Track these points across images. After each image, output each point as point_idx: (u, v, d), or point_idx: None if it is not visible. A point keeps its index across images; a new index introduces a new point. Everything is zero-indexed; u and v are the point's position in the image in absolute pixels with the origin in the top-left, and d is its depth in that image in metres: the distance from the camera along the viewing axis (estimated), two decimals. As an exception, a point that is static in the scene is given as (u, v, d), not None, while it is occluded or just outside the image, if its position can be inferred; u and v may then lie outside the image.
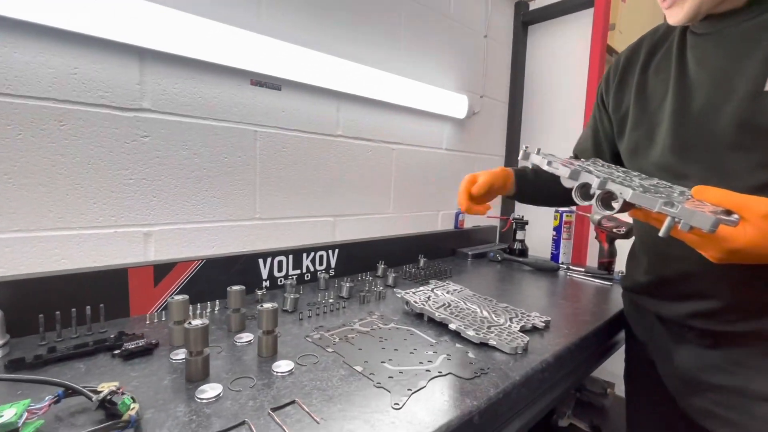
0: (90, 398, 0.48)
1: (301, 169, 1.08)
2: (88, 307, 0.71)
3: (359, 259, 1.19)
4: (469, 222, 1.65)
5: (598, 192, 0.48)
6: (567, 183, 0.53)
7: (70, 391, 0.49)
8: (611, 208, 0.49)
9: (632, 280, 0.80)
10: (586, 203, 0.51)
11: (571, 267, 1.39)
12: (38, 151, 0.70)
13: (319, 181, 1.12)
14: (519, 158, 0.62)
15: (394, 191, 1.34)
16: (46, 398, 0.47)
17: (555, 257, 1.48)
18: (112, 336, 0.67)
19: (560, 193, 0.81)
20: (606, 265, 1.33)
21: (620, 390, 1.42)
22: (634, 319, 0.84)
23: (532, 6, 1.73)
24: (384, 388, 0.56)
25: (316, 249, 1.08)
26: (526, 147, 0.61)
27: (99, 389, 0.49)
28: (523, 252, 1.56)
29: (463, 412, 0.51)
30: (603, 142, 0.85)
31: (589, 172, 0.51)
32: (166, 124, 0.84)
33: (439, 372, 0.61)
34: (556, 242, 1.47)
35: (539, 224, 1.70)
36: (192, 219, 0.90)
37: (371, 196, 1.27)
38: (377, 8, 1.20)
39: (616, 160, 0.83)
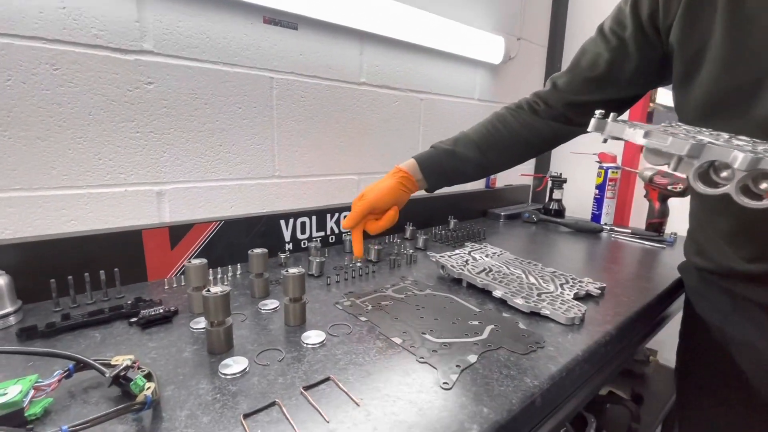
0: (103, 374, 0.42)
1: (322, 121, 0.98)
2: (102, 272, 0.65)
3: (386, 220, 1.11)
4: (501, 180, 1.53)
5: (741, 175, 0.32)
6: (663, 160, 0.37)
7: (81, 365, 0.44)
8: (758, 198, 0.33)
9: (717, 263, 0.64)
10: (717, 191, 0.34)
11: (615, 228, 1.28)
12: (32, 100, 0.63)
13: (342, 136, 1.02)
14: (589, 129, 0.45)
15: (422, 146, 1.23)
16: (56, 373, 0.42)
17: (596, 218, 1.36)
18: (128, 302, 0.62)
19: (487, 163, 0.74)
20: (656, 225, 1.21)
21: (663, 358, 1.35)
22: (708, 301, 0.69)
23: (580, -71, 1.50)
24: (429, 364, 0.49)
25: (340, 209, 1.00)
26: (599, 113, 0.45)
27: (113, 362, 0.44)
28: (560, 212, 1.45)
29: (525, 393, 0.44)
30: (615, 83, 0.66)
31: (713, 143, 0.35)
32: (171, 69, 0.74)
33: (489, 345, 0.54)
34: (598, 201, 1.35)
35: (576, 183, 1.57)
36: (207, 177, 0.82)
37: (397, 152, 1.17)
38: (404, -70, 1.03)
39: (615, 109, 0.65)
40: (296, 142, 0.94)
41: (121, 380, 0.42)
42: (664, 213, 1.20)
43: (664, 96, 1.53)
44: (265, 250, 0.69)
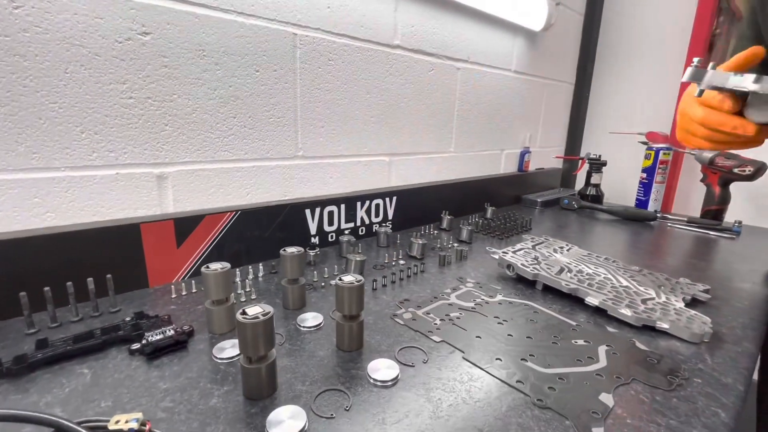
0: (97, 447, 0.28)
1: (352, 91, 0.82)
2: (90, 279, 0.50)
3: (420, 208, 0.97)
4: (534, 162, 1.39)
5: None
6: None
7: (63, 434, 0.29)
8: None
9: None
10: None
11: (667, 215, 1.16)
12: (-12, 51, 0.46)
13: (373, 109, 0.87)
14: (684, 78, 0.45)
15: (456, 122, 1.08)
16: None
17: (643, 203, 1.24)
18: (127, 319, 0.47)
19: None
20: (714, 213, 1.09)
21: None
22: None
23: None
24: (554, 411, 0.35)
25: (371, 196, 0.85)
26: (698, 60, 0.45)
27: (111, 427, 0.29)
28: (598, 198, 1.32)
29: (713, 461, 0.31)
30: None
31: None
32: (172, 16, 0.58)
33: (618, 377, 0.40)
34: (646, 186, 1.22)
35: (618, 166, 1.44)
36: (218, 156, 0.66)
37: (432, 130, 1.02)
38: None
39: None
40: (323, 115, 0.78)
41: (127, 460, 0.27)
42: (725, 199, 1.08)
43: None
44: (302, 250, 0.54)
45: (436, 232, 0.94)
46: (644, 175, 1.22)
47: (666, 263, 0.78)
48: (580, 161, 1.36)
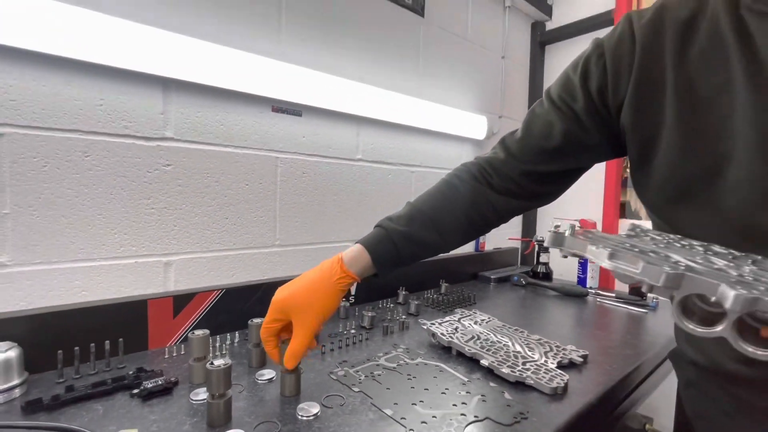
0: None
1: (321, 194, 1.06)
2: (107, 342, 0.68)
3: (379, 285, 1.15)
4: (490, 243, 1.60)
5: (735, 317, 0.28)
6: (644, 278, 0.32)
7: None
8: (764, 345, 0.29)
9: (708, 358, 0.53)
10: (711, 332, 0.30)
11: (600, 292, 1.33)
12: (62, 182, 0.70)
13: (339, 206, 1.10)
14: (546, 243, 0.42)
15: (413, 214, 1.31)
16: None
17: (582, 281, 1.42)
18: (130, 373, 0.65)
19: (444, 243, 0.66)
20: (638, 289, 1.26)
21: (659, 425, 1.33)
22: (707, 397, 0.56)
23: (549, 26, 1.73)
24: (418, 437, 0.51)
25: (336, 276, 1.05)
26: (557, 227, 0.42)
27: (117, 438, 0.46)
28: (548, 275, 1.51)
29: (508, 467, 0.47)
30: (573, 154, 0.61)
31: (693, 271, 0.31)
32: (188, 153, 0.83)
33: (476, 416, 0.56)
34: (583, 265, 1.42)
35: (563, 246, 1.64)
36: (212, 247, 0.88)
37: (391, 220, 1.24)
38: (396, 32, 1.20)
39: (566, 180, 0.66)
40: (297, 213, 1.01)
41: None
42: (644, 278, 1.26)
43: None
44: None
45: (392, 305, 1.12)
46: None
47: (572, 332, 0.94)
48: (530, 243, 1.57)
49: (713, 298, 0.29)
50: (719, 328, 0.29)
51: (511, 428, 0.54)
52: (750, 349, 0.28)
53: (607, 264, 0.34)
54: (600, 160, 0.63)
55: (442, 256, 1.34)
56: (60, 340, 0.66)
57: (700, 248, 0.39)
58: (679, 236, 0.44)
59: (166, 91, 0.80)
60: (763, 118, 0.41)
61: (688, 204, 0.48)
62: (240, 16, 0.88)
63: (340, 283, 0.60)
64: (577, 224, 0.43)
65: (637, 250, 0.36)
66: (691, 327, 0.31)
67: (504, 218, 0.69)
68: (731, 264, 0.35)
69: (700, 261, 0.35)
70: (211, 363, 0.53)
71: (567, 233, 0.40)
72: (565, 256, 0.39)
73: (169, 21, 0.78)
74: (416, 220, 0.64)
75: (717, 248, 0.39)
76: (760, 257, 0.37)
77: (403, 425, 0.54)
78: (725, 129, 0.44)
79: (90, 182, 0.73)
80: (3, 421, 0.46)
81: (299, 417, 0.55)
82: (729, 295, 0.27)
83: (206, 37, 0.81)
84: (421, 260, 0.67)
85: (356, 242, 0.64)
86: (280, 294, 0.59)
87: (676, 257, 0.35)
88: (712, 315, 0.30)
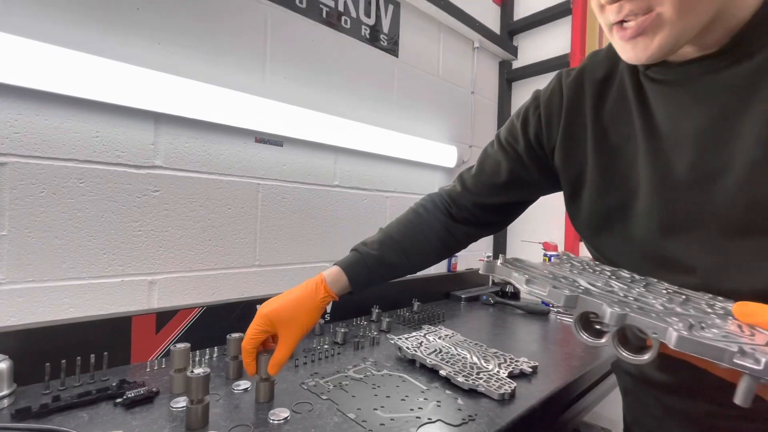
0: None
1: (300, 217, 1.14)
2: (93, 355, 0.73)
3: (354, 304, 1.22)
4: (462, 264, 1.69)
5: (614, 330, 0.35)
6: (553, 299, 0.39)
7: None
8: (639, 351, 0.35)
9: (636, 367, 0.61)
10: (599, 343, 0.37)
11: (561, 310, 1.43)
12: (57, 207, 0.76)
13: (317, 229, 1.18)
14: (481, 271, 0.48)
15: (388, 237, 1.40)
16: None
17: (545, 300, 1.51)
18: (114, 384, 0.70)
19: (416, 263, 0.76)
20: (595, 308, 1.36)
21: (617, 437, 1.40)
22: (642, 404, 0.64)
23: (515, 65, 1.89)
24: (376, 436, 0.58)
25: (312, 294, 1.12)
26: (488, 256, 0.52)
27: (103, 438, 0.52)
28: (516, 295, 1.60)
29: (451, 458, 0.54)
30: (518, 188, 0.71)
31: (588, 293, 0.38)
32: (175, 180, 0.91)
33: (429, 419, 0.64)
34: (546, 285, 1.51)
35: (530, 267, 1.75)
36: (195, 267, 0.94)
37: (366, 242, 1.33)
38: (372, 71, 1.32)
39: (513, 211, 0.76)
40: (276, 235, 1.09)
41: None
42: (600, 297, 1.36)
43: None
44: (242, 335, 0.79)
45: (365, 323, 1.18)
46: (544, 276, 1.52)
47: (529, 346, 1.02)
48: (499, 263, 1.67)
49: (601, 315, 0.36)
50: (604, 339, 0.37)
51: (458, 428, 0.61)
52: (627, 356, 0.35)
53: (524, 288, 0.42)
54: (542, 194, 0.73)
55: (415, 276, 1.42)
56: (47, 354, 0.71)
57: (608, 273, 0.48)
58: (595, 263, 0.53)
59: (157, 124, 0.88)
60: (657, 163, 0.51)
61: (607, 234, 0.57)
62: (229, 57, 0.98)
63: (323, 302, 0.68)
64: (508, 257, 0.52)
65: (551, 276, 0.44)
66: (584, 337, 0.38)
67: (462, 243, 0.79)
68: (625, 287, 0.43)
69: (600, 285, 0.43)
70: (191, 371, 0.59)
71: (498, 263, 0.46)
72: (494, 282, 0.48)
73: (164, 62, 0.87)
74: (386, 244, 0.73)
75: (623, 273, 0.48)
76: (655, 280, 0.47)
77: (363, 427, 0.61)
78: (632, 171, 0.54)
79: (83, 206, 0.79)
80: (1, 423, 0.51)
81: (270, 421, 0.61)
82: (606, 313, 0.34)
83: (197, 76, 0.90)
84: (392, 280, 0.76)
85: (334, 264, 0.72)
86: (267, 307, 0.66)
87: (581, 281, 0.43)
88: (603, 333, 0.37)
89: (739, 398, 0.31)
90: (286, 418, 0.62)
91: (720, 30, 0.44)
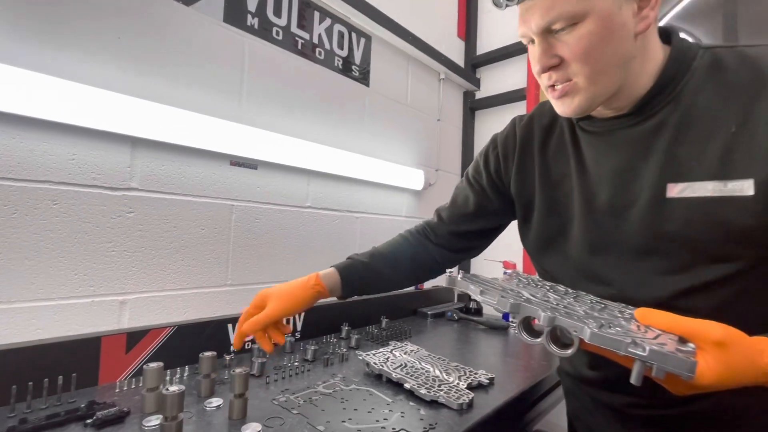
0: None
1: (273, 237, 1.18)
2: (60, 377, 0.74)
3: (326, 321, 1.26)
4: (428, 282, 1.77)
5: (546, 330, 0.45)
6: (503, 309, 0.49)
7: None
8: (565, 347, 0.46)
9: (573, 368, 0.74)
10: (535, 341, 0.48)
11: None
12: (29, 228, 0.77)
13: (289, 248, 1.22)
14: (444, 283, 0.60)
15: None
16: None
17: (506, 316, 1.61)
18: (82, 405, 0.70)
19: (403, 278, 0.90)
20: (549, 322, 1.47)
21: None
22: (578, 401, 0.78)
23: (478, 95, 2.03)
24: (343, 445, 0.63)
25: (283, 313, 1.15)
26: (451, 272, 0.67)
27: (78, 457, 0.53)
28: (479, 311, 1.69)
29: (412, 463, 0.59)
30: (484, 217, 0.84)
31: (529, 302, 0.49)
32: (150, 201, 0.93)
33: (393, 429, 0.69)
34: (506, 302, 1.61)
35: (492, 284, 1.85)
36: (166, 287, 0.96)
37: (338, 259, 1.38)
38: (344, 99, 1.40)
39: (483, 238, 0.88)
40: (249, 255, 1.12)
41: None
42: (554, 312, 1.48)
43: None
44: (214, 353, 0.81)
45: (335, 340, 1.22)
46: (504, 293, 1.62)
47: (488, 360, 1.10)
48: (464, 281, 1.76)
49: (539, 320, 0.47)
50: (540, 339, 0.47)
51: (420, 436, 0.67)
52: (556, 350, 0.46)
53: (479, 298, 0.52)
54: (505, 221, 0.86)
55: (385, 294, 1.48)
56: (14, 376, 0.71)
57: (547, 287, 0.59)
58: (539, 279, 0.65)
59: (134, 147, 0.90)
60: (586, 195, 0.64)
61: (549, 252, 0.70)
62: (207, 84, 1.03)
63: (313, 289, 0.78)
64: (475, 274, 0.63)
65: (501, 289, 0.54)
66: (525, 337, 0.48)
67: (443, 265, 0.92)
68: (558, 297, 0.54)
69: (539, 296, 0.53)
70: (167, 389, 0.62)
71: (459, 277, 0.56)
72: (458, 298, 0.62)
73: (143, 88, 0.91)
74: (375, 256, 0.86)
75: (559, 287, 0.60)
76: (583, 293, 0.59)
77: (332, 437, 0.65)
78: (568, 201, 0.67)
79: (55, 227, 0.80)
80: None
81: (243, 435, 0.65)
82: (541, 316, 0.45)
83: (175, 102, 0.94)
84: (378, 292, 0.89)
85: (330, 266, 0.84)
86: (262, 291, 0.76)
87: (524, 293, 0.53)
88: (540, 333, 0.47)
89: (633, 378, 0.41)
90: (258, 432, 0.65)
91: (627, 96, 0.58)
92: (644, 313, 0.47)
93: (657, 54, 0.57)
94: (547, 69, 0.56)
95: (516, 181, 0.75)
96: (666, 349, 0.40)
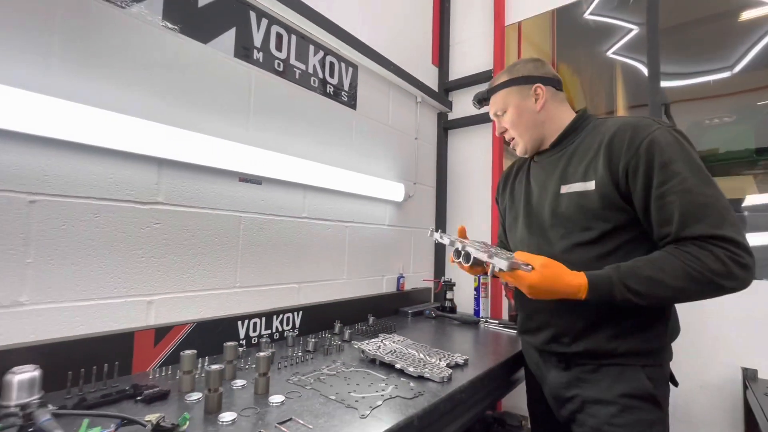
0: (144, 425, 0.66)
1: (274, 245, 1.33)
2: (105, 365, 0.86)
3: (319, 319, 1.42)
4: (409, 284, 1.96)
5: (462, 251, 0.95)
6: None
7: (125, 422, 0.67)
8: (468, 261, 0.94)
9: (520, 326, 1.08)
10: (459, 261, 0.97)
11: (489, 320, 1.74)
12: (75, 237, 0.90)
13: (287, 254, 1.38)
14: (428, 235, 1.09)
15: (347, 260, 1.63)
16: (111, 425, 0.65)
17: (477, 312, 1.82)
18: (127, 387, 0.83)
19: None
20: (516, 317, 1.69)
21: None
22: (527, 356, 1.12)
23: (450, 116, 2.26)
24: (353, 407, 0.80)
25: (284, 311, 1.30)
26: (432, 228, 1.15)
27: (146, 420, 0.67)
28: (453, 309, 1.89)
29: (407, 416, 0.77)
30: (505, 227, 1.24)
31: (460, 242, 0.97)
32: (173, 214, 1.07)
33: (390, 395, 0.86)
34: (477, 300, 1.83)
35: (465, 286, 2.06)
36: (186, 288, 1.09)
37: (330, 264, 1.54)
38: (335, 121, 1.57)
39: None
40: (254, 261, 1.27)
41: (158, 429, 0.66)
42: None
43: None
44: (236, 343, 0.96)
45: (329, 335, 1.38)
46: (475, 293, 1.84)
47: (463, 347, 1.30)
48: (440, 283, 1.96)
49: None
50: (460, 258, 0.97)
51: (411, 400, 0.85)
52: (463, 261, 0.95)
53: (442, 241, 1.07)
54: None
55: (369, 294, 1.65)
56: (66, 365, 0.83)
57: (499, 249, 0.93)
58: (488, 243, 1.03)
59: (160, 167, 1.04)
60: (528, 199, 1.06)
61: (510, 234, 1.14)
62: (220, 111, 1.18)
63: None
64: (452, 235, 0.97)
65: (478, 245, 0.93)
66: (459, 259, 0.93)
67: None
68: (495, 251, 0.88)
69: (494, 251, 0.88)
70: (209, 367, 0.76)
71: (437, 233, 1.02)
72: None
73: (169, 115, 1.05)
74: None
75: (501, 249, 0.94)
76: (501, 249, 0.95)
77: (342, 403, 0.82)
78: (519, 205, 1.10)
79: (96, 237, 0.93)
80: (73, 411, 0.65)
81: (271, 404, 0.80)
82: (457, 245, 0.97)
83: (193, 127, 1.08)
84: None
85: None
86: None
87: (492, 249, 0.89)
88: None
89: (489, 275, 0.96)
90: (282, 401, 0.81)
91: (548, 141, 1.01)
92: (517, 254, 0.85)
93: (565, 118, 1.01)
94: (501, 133, 1.08)
95: (501, 199, 1.23)
96: (513, 260, 0.80)
